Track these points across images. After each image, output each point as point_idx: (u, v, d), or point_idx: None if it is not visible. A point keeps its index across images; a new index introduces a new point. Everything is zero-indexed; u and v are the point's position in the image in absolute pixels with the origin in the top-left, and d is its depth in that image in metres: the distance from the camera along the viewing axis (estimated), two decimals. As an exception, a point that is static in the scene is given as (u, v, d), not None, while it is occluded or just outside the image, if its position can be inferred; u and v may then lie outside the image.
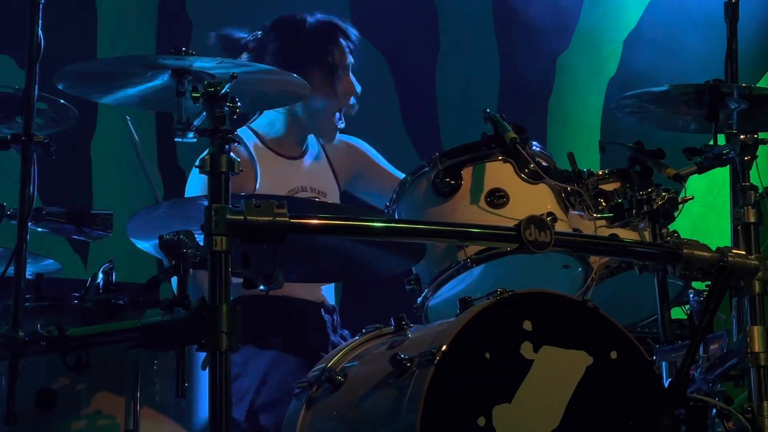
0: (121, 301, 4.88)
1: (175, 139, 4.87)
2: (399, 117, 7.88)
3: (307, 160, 6.47)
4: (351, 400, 4.94)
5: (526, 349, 4.78)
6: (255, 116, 6.45)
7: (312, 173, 6.43)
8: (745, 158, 5.24)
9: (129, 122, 6.08)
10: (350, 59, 6.38)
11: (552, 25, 8.11)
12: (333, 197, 6.45)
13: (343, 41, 6.37)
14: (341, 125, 6.40)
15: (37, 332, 4.69)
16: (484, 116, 5.37)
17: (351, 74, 6.39)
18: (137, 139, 5.99)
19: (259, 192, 6.22)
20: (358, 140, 6.64)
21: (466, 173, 5.29)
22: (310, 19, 6.37)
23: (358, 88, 6.42)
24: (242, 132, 6.36)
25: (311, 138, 6.52)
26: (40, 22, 4.84)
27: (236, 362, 5.73)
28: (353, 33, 6.43)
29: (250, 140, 6.38)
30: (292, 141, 6.43)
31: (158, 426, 4.84)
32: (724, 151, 5.27)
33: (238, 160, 4.60)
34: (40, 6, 4.85)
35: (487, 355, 4.75)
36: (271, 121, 6.39)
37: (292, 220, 4.68)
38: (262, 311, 6.02)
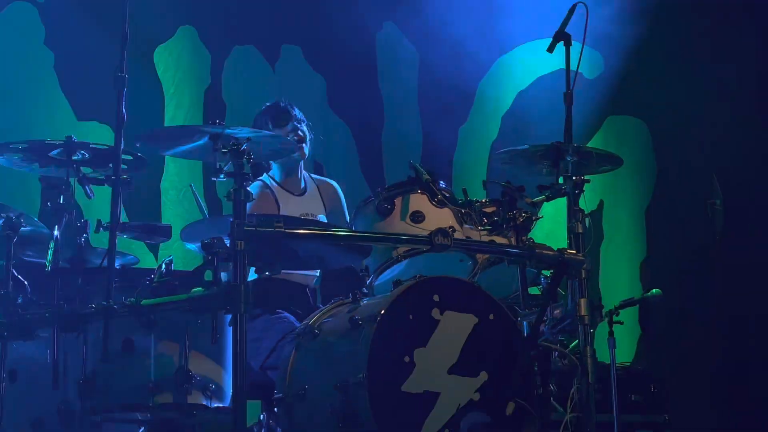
0: (176, 282, 4.85)
1: (212, 179, 4.87)
2: (357, 164, 7.84)
3: (307, 195, 6.29)
4: (324, 345, 4.96)
5: (435, 312, 4.81)
6: (271, 170, 6.30)
7: (310, 204, 6.26)
8: (576, 192, 5.24)
9: (193, 187, 6.12)
10: (290, 126, 6.16)
11: (457, 104, 8.06)
12: (322, 218, 6.30)
13: (285, 120, 6.20)
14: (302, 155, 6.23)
15: (123, 303, 4.70)
16: (409, 165, 5.37)
17: (291, 133, 6.17)
18: (196, 193, 6.02)
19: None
20: (338, 187, 6.46)
21: (398, 201, 5.25)
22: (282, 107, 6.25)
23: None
24: (266, 179, 6.24)
25: (308, 179, 6.37)
26: (123, 101, 4.82)
27: (257, 328, 5.65)
28: (293, 113, 6.23)
29: (273, 185, 6.22)
30: (292, 183, 6.26)
31: (200, 362, 4.76)
32: (563, 188, 5.27)
33: (253, 193, 4.60)
34: (124, 91, 4.83)
35: (411, 317, 4.78)
36: (275, 172, 6.29)
37: (286, 230, 4.68)
38: (274, 287, 5.88)
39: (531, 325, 5.02)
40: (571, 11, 5.33)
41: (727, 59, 8.03)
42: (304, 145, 6.21)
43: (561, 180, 5.31)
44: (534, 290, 5.40)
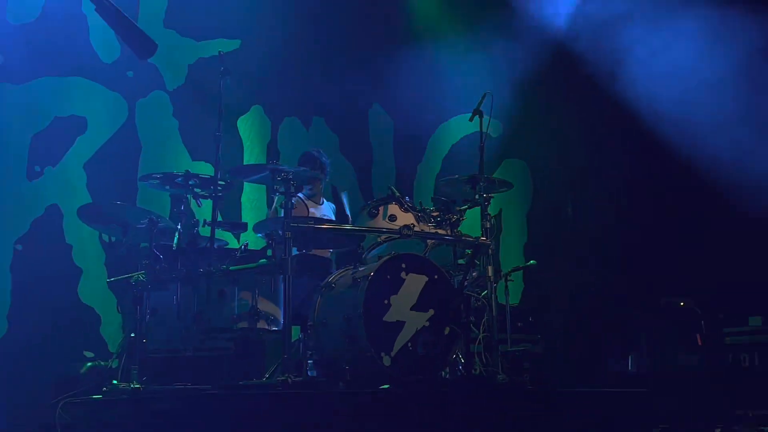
0: (250, 256, 4.86)
1: (272, 195, 4.88)
2: (357, 186, 7.80)
3: (322, 206, 6.16)
4: (337, 293, 4.93)
5: (403, 274, 4.80)
6: (304, 190, 6.13)
7: (324, 210, 6.15)
8: (486, 203, 5.23)
9: (345, 196, 5.99)
10: (310, 165, 5.94)
11: (416, 151, 7.97)
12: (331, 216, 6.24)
13: (314, 163, 6.01)
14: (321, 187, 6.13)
15: (219, 268, 4.70)
16: (388, 189, 5.30)
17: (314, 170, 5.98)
18: (345, 199, 5.90)
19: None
20: (332, 204, 6.31)
21: (381, 209, 5.19)
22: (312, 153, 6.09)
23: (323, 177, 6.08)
24: (301, 195, 6.05)
25: (323, 198, 6.22)
26: (219, 149, 4.82)
27: (297, 283, 5.59)
28: (323, 160, 6.04)
29: (305, 199, 6.05)
30: (316, 199, 6.10)
31: (264, 303, 4.76)
32: (479, 200, 5.25)
33: (296, 200, 4.56)
34: (220, 144, 4.83)
35: (388, 276, 4.77)
36: (306, 192, 6.14)
37: (315, 226, 4.74)
38: (307, 259, 5.78)
39: (459, 282, 5.00)
40: (483, 97, 5.33)
41: (574, 122, 7.99)
42: (320, 184, 6.06)
43: (477, 196, 5.30)
44: (461, 261, 5.34)
